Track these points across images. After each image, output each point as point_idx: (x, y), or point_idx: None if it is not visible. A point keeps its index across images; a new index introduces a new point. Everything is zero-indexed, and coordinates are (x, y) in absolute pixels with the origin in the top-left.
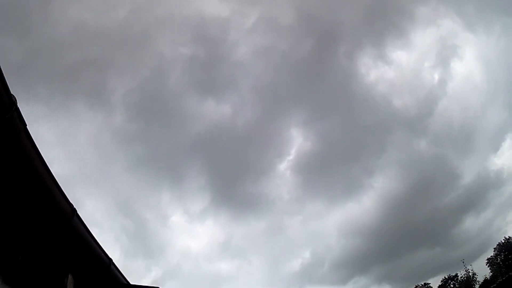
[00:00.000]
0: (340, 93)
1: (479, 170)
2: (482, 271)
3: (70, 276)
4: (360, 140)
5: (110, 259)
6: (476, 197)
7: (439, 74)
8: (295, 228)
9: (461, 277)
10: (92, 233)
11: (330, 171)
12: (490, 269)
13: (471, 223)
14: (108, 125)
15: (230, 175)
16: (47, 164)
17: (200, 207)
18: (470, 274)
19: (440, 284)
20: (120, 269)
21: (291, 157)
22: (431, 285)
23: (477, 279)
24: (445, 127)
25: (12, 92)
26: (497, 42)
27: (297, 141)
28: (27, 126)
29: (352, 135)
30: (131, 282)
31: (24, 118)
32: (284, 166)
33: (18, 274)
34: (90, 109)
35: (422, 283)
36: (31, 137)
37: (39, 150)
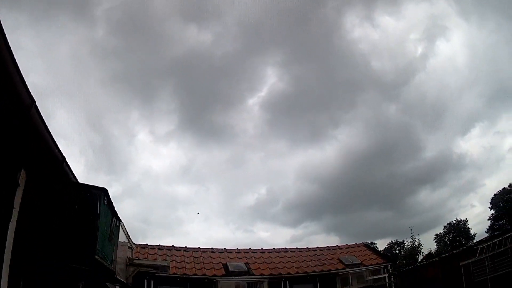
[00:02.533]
0: (322, 43)
1: (443, 149)
2: (428, 245)
3: (23, 171)
4: (332, 91)
5: (64, 157)
6: (434, 173)
7: (423, 48)
8: (256, 164)
9: (407, 245)
10: (49, 128)
11: (298, 114)
12: (436, 244)
13: (425, 197)
14: (89, 38)
15: (200, 102)
16: (12, 51)
17: (166, 129)
18: (416, 243)
19: (386, 246)
20: (71, 168)
21: (262, 94)
22: (377, 245)
23: (422, 250)
24: (417, 99)
25: None
26: (487, 37)
27: (271, 80)
28: None
29: (325, 85)
30: None
31: None
32: (254, 101)
33: None
34: (73, 21)
35: (370, 242)
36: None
37: (6, 35)
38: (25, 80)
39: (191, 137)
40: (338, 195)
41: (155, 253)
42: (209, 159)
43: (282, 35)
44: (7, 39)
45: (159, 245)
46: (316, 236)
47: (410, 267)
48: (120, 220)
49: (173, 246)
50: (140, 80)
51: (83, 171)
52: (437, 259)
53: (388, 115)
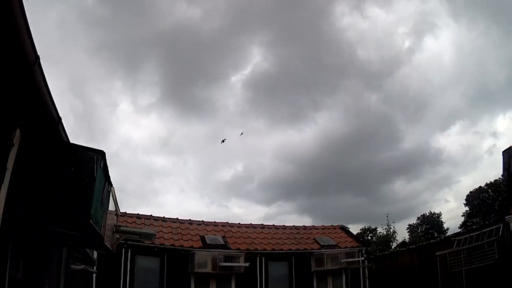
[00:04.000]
0: (310, 28)
1: (421, 142)
2: (401, 234)
3: (18, 130)
4: (315, 75)
5: (60, 117)
6: (410, 165)
7: (410, 42)
8: (234, 140)
9: (380, 232)
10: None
11: (279, 95)
12: (409, 234)
13: (400, 187)
14: (78, 6)
15: (184, 76)
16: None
17: (148, 101)
18: (390, 230)
19: (358, 232)
20: (66, 130)
21: (246, 72)
22: (350, 230)
23: (396, 238)
24: (400, 91)
25: None
26: (475, 39)
27: (255, 59)
28: None
29: (309, 69)
30: None
31: None
32: (237, 79)
33: None
34: None
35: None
36: None
37: None
38: (32, 35)
39: (172, 109)
40: (313, 178)
41: (133, 222)
42: (188, 133)
43: (271, 16)
44: None
45: (138, 214)
46: (289, 216)
47: (386, 252)
48: (111, 185)
49: (151, 215)
50: (126, 50)
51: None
52: (413, 246)
53: (369, 104)
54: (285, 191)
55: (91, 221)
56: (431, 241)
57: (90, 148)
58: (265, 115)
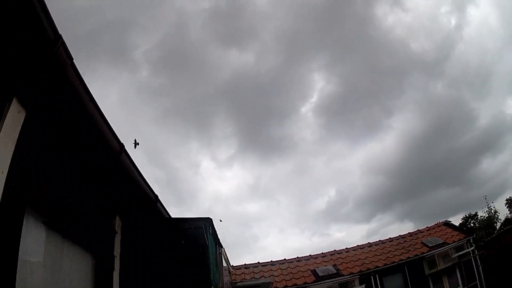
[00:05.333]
0: (359, 38)
1: (495, 113)
2: (501, 211)
3: (117, 218)
4: (379, 82)
5: (156, 196)
6: (492, 139)
7: (456, 19)
8: (320, 168)
9: (481, 216)
10: (139, 169)
11: (351, 112)
12: (509, 209)
13: (488, 165)
14: (134, 81)
15: (255, 120)
16: (95, 99)
17: (227, 154)
18: (492, 212)
19: (460, 222)
20: (164, 206)
21: (313, 99)
22: (452, 223)
23: (499, 217)
24: (461, 71)
25: None
26: None
27: (319, 84)
28: (74, 61)
29: (371, 77)
30: None
31: (70, 52)
32: (307, 109)
33: (66, 219)
34: (115, 68)
35: (444, 221)
36: (78, 71)
37: (87, 85)
38: (112, 127)
39: (252, 155)
40: (404, 181)
41: (242, 273)
42: (274, 173)
43: (320, 39)
44: (90, 92)
45: (245, 264)
46: (391, 226)
47: (493, 235)
48: (222, 246)
49: (258, 262)
50: (192, 111)
51: None
52: None
53: (437, 93)
54: (381, 203)
55: (212, 287)
56: None
57: (197, 218)
58: (343, 136)
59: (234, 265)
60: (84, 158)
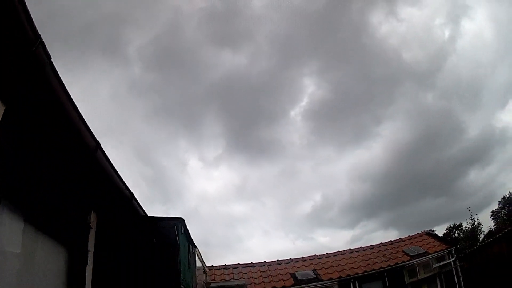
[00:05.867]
0: (352, 45)
1: (485, 126)
2: (486, 223)
3: (93, 213)
4: (369, 90)
5: (132, 193)
6: (480, 152)
7: (450, 31)
8: (307, 172)
9: (465, 226)
10: (115, 167)
11: (340, 118)
12: (494, 221)
13: (475, 176)
14: (126, 77)
15: (244, 122)
16: (72, 97)
17: (215, 154)
18: (475, 223)
19: (445, 232)
20: (140, 203)
21: (303, 104)
22: (436, 232)
23: (482, 229)
24: (453, 83)
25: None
26: (509, 8)
27: (309, 89)
28: (52, 60)
29: (362, 85)
30: None
31: (49, 51)
32: (296, 112)
33: (41, 213)
34: (107, 63)
35: (429, 230)
36: (56, 70)
37: (64, 84)
38: (88, 125)
39: (240, 156)
40: (390, 190)
41: (222, 273)
42: (261, 175)
43: (313, 45)
44: (67, 90)
45: (225, 264)
46: (375, 233)
47: (474, 247)
48: (195, 247)
49: (238, 263)
50: (182, 109)
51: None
52: (500, 235)
53: (427, 104)
54: (366, 210)
55: (182, 286)
56: None
57: (169, 217)
58: (331, 141)
59: (214, 265)
60: (61, 154)
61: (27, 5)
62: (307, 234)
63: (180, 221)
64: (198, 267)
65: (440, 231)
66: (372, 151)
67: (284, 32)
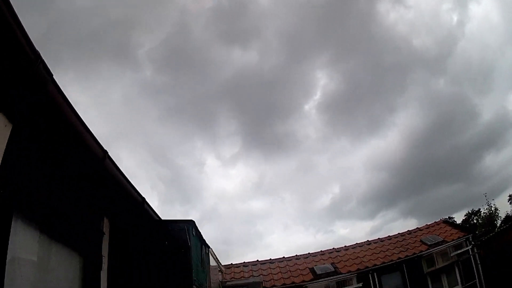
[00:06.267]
0: (361, 35)
1: (497, 109)
2: (504, 207)
3: (105, 219)
4: (381, 79)
5: (143, 198)
6: (495, 135)
7: (458, 15)
8: (324, 165)
9: (483, 212)
10: (125, 173)
11: (354, 109)
12: (511, 205)
13: (491, 160)
14: (137, 80)
15: (258, 118)
16: (76, 110)
17: (231, 152)
18: (492, 209)
19: (463, 218)
20: (152, 207)
21: (316, 97)
22: (455, 219)
23: (499, 215)
24: (463, 68)
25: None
26: None
27: (322, 81)
28: (54, 76)
29: (374, 75)
30: None
31: (50, 69)
32: (310, 106)
33: (54, 222)
34: (118, 67)
35: (447, 217)
36: (58, 86)
37: (67, 97)
38: (94, 135)
39: (256, 153)
40: (407, 178)
41: (241, 271)
42: (278, 170)
43: (323, 37)
44: (71, 104)
45: (244, 262)
46: (395, 223)
47: (490, 234)
48: (208, 247)
49: (257, 260)
50: (196, 109)
51: (158, 205)
52: None
53: (439, 89)
54: (384, 199)
55: (194, 286)
56: None
57: (180, 220)
58: (346, 133)
59: (234, 263)
60: (70, 165)
61: (26, 31)
62: (327, 227)
63: (190, 223)
64: (213, 266)
65: (459, 217)
66: (387, 140)
67: (292, 25)
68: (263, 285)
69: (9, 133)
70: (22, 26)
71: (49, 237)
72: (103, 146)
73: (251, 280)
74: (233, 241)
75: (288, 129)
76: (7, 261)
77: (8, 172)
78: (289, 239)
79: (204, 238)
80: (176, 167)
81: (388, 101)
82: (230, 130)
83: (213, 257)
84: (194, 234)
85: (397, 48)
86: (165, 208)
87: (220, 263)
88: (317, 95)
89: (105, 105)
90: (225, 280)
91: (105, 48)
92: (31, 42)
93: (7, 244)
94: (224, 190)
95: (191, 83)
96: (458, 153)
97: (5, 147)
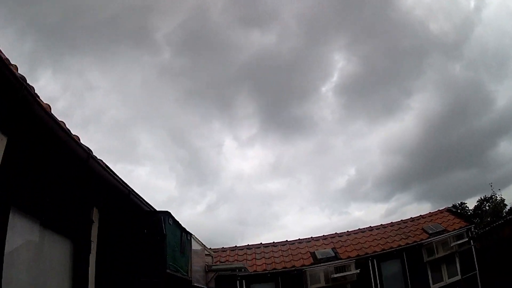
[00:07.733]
0: (379, 19)
1: None
2: None
3: (95, 209)
4: (398, 62)
5: (130, 190)
6: (510, 122)
7: (475, 1)
8: (340, 147)
9: (495, 199)
10: (111, 168)
11: (371, 92)
12: None
13: (506, 147)
14: (156, 63)
15: (276, 100)
16: (57, 118)
17: (249, 133)
18: (498, 199)
19: (475, 204)
20: (141, 198)
21: (334, 79)
22: (467, 205)
23: (506, 203)
24: (480, 53)
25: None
26: None
27: (339, 64)
28: (38, 98)
29: (391, 58)
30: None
31: (33, 93)
32: (327, 88)
33: (50, 214)
34: (136, 50)
35: (459, 202)
36: (42, 106)
37: (52, 114)
38: (78, 140)
39: (274, 135)
40: (422, 162)
41: (244, 253)
42: (295, 152)
43: (340, 20)
44: (52, 114)
45: (247, 244)
46: (409, 206)
47: (486, 228)
48: (190, 234)
49: (261, 243)
50: (214, 91)
51: (176, 186)
52: (511, 217)
53: (455, 74)
54: (399, 182)
55: (168, 270)
56: None
57: (158, 211)
58: (362, 115)
59: (238, 245)
60: (59, 167)
61: (9, 65)
62: (342, 208)
63: (166, 214)
64: (197, 250)
65: (472, 203)
66: (403, 124)
67: (310, 8)
68: (264, 268)
69: (4, 145)
70: (9, 67)
71: (44, 226)
72: (86, 148)
73: (235, 265)
74: (250, 222)
75: (305, 111)
76: (5, 245)
77: (6, 174)
78: (305, 220)
79: (183, 226)
80: (194, 148)
81: (404, 85)
82: (247, 112)
83: (197, 242)
84: (171, 223)
85: (414, 32)
86: (184, 189)
87: (208, 248)
88: (334, 78)
89: (124, 88)
90: (212, 264)
91: (123, 32)
92: (15, 74)
93: (5, 233)
94: (241, 172)
95: (209, 66)
96: (473, 139)
97: (1, 158)
